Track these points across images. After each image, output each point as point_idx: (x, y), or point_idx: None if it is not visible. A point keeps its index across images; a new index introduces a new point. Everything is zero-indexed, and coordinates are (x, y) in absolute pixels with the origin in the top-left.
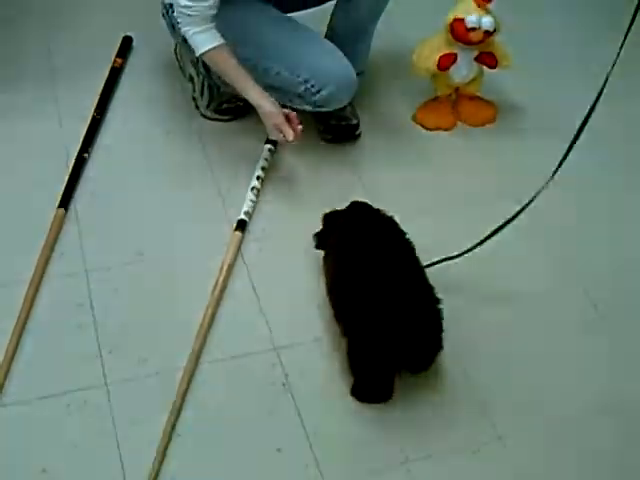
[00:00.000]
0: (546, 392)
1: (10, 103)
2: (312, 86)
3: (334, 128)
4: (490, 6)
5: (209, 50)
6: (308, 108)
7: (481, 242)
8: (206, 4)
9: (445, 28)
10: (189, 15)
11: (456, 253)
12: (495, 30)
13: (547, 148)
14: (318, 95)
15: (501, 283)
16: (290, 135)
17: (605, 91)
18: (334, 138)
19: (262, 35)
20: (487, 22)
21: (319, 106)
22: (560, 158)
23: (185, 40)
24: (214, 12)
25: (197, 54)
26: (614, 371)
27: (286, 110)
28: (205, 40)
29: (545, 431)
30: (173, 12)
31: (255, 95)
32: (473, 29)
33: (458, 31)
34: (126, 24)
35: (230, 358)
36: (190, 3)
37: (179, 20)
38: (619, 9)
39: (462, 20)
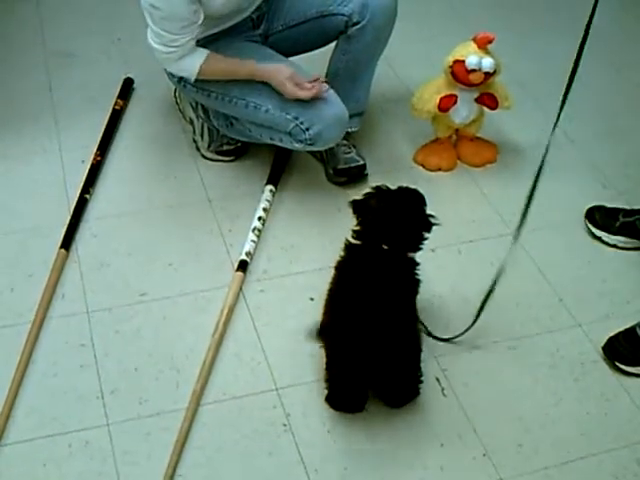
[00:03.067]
0: (548, 434)
1: (11, 144)
2: (301, 123)
3: (345, 171)
4: (490, 47)
5: (200, 69)
6: (298, 147)
7: (480, 311)
8: (187, 46)
9: (445, 70)
10: (171, 58)
11: (464, 330)
12: (495, 71)
13: (547, 188)
14: (307, 133)
15: (502, 324)
16: (308, 92)
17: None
18: (347, 181)
19: None
20: (487, 64)
21: (309, 144)
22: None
23: (180, 81)
24: (193, 43)
25: (195, 78)
26: (618, 412)
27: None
28: (191, 64)
29: (546, 475)
30: None
31: (264, 71)
32: (473, 71)
33: (458, 73)
34: (127, 65)
35: (231, 399)
36: (170, 49)
37: (164, 64)
38: (617, 46)
39: (462, 62)
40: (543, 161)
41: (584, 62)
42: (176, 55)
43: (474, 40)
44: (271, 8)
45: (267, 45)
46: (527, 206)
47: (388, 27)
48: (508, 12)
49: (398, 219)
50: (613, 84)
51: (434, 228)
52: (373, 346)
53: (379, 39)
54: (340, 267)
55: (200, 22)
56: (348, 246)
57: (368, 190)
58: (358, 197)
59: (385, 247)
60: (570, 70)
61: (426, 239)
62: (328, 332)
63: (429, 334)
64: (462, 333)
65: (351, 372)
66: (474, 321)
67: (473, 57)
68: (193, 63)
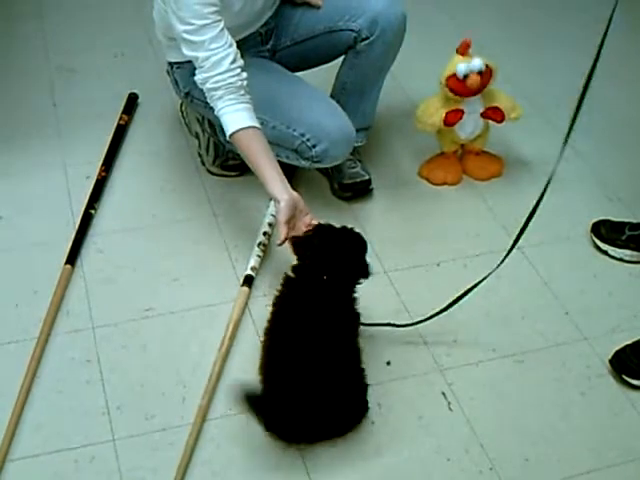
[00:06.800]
0: (555, 448)
1: (16, 160)
2: (308, 140)
3: (350, 186)
4: (472, 52)
5: (234, 133)
6: (305, 164)
7: (451, 304)
8: (222, 68)
9: (443, 90)
10: (211, 88)
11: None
12: (491, 69)
13: (554, 202)
14: (314, 150)
15: (508, 338)
16: (279, 238)
17: None
18: (352, 195)
19: (259, 88)
20: (476, 63)
21: (316, 162)
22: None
23: (187, 95)
24: (241, 80)
25: (227, 136)
26: (625, 426)
27: (303, 210)
28: (232, 121)
29: None
30: (178, 68)
31: (274, 186)
32: (466, 76)
33: (455, 86)
34: (131, 81)
35: (237, 414)
36: (207, 74)
37: (212, 104)
38: (624, 59)
39: (453, 75)
40: (550, 177)
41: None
42: (215, 87)
43: (457, 51)
44: (279, 23)
45: (275, 60)
46: (530, 215)
47: (397, 43)
48: (513, 26)
49: (336, 258)
50: (620, 97)
51: (438, 243)
52: (308, 382)
53: (388, 54)
54: (277, 301)
55: (231, 43)
56: (286, 279)
57: (310, 228)
58: (299, 235)
59: (324, 278)
60: (580, 86)
61: (361, 283)
62: (264, 370)
63: (392, 324)
64: (428, 318)
65: (287, 408)
66: (447, 307)
67: (460, 65)
68: (232, 123)
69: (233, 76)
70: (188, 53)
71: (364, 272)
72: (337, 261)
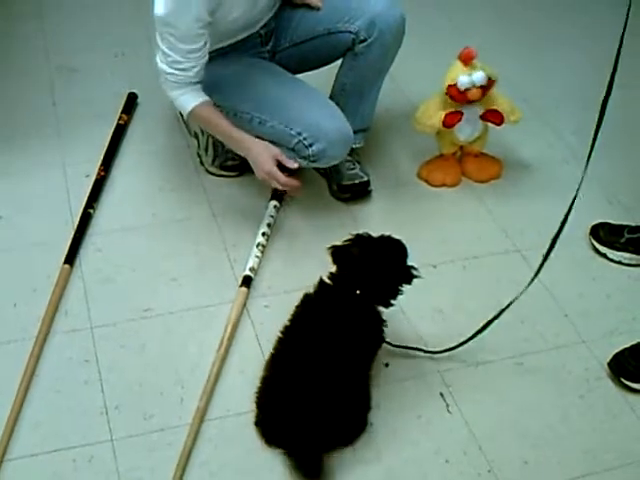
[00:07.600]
0: (554, 451)
1: (15, 159)
2: (304, 139)
3: (349, 187)
4: (477, 61)
5: (193, 109)
6: (302, 163)
7: (480, 330)
8: (189, 74)
9: (444, 95)
10: (171, 81)
11: (456, 343)
12: (493, 80)
13: (553, 204)
14: (311, 149)
15: (508, 340)
16: (279, 183)
17: None
18: (351, 197)
19: (259, 89)
20: (479, 77)
21: (313, 161)
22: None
23: None
24: (200, 77)
25: (185, 116)
26: (623, 428)
27: (281, 157)
28: (188, 100)
29: None
30: None
31: (243, 140)
32: (468, 89)
33: (455, 96)
34: (131, 80)
35: (235, 415)
36: (172, 70)
37: (163, 87)
38: (624, 64)
39: (454, 85)
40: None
41: (590, 80)
42: (176, 81)
43: (460, 59)
44: (279, 25)
45: (275, 62)
46: (554, 240)
47: (395, 44)
48: (512, 28)
49: (377, 271)
50: (620, 101)
51: (437, 245)
52: (309, 389)
53: (386, 56)
54: (305, 301)
55: (206, 54)
56: (320, 283)
57: (349, 237)
58: (338, 243)
59: (358, 292)
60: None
61: (402, 292)
62: (271, 364)
63: (422, 349)
64: (456, 346)
65: (280, 407)
66: (470, 338)
67: (462, 77)
68: (188, 101)
69: (194, 76)
70: (163, 48)
71: (406, 278)
72: (376, 272)
